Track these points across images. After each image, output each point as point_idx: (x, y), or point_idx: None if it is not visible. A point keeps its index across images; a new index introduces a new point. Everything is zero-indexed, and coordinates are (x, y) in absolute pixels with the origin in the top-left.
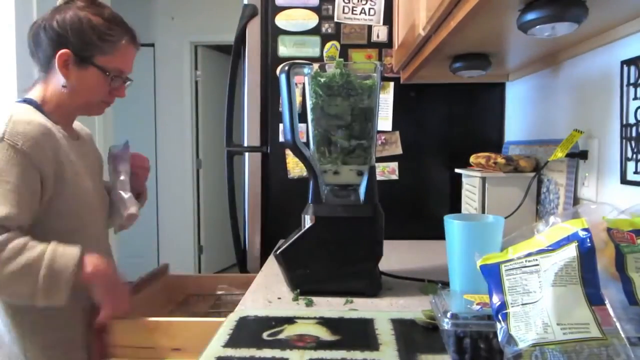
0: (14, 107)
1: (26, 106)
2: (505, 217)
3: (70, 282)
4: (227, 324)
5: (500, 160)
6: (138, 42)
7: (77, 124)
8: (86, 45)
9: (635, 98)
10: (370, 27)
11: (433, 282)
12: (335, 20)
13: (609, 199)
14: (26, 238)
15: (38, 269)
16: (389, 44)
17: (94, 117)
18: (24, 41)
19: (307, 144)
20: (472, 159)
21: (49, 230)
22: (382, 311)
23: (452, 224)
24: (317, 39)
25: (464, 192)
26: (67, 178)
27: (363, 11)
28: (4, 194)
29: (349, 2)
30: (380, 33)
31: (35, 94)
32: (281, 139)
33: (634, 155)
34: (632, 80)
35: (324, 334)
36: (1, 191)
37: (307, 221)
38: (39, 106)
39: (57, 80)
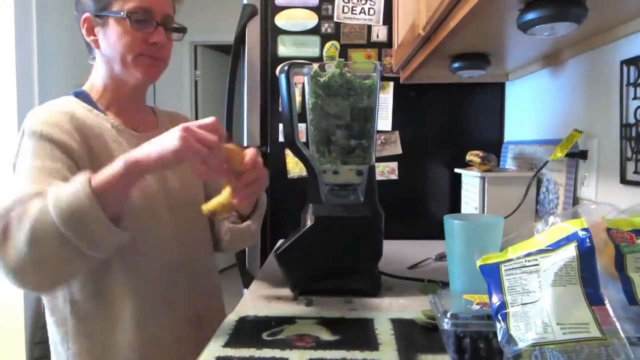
0: (50, 101)
1: (66, 98)
2: (505, 217)
3: (96, 206)
4: (227, 324)
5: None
6: None
7: (165, 112)
8: None
9: (635, 98)
10: (370, 27)
11: (433, 282)
12: (335, 20)
13: (609, 199)
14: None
15: (50, 217)
16: (388, 43)
17: None
18: (23, 44)
19: (306, 143)
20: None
21: None
22: (382, 311)
23: (452, 224)
24: (316, 39)
25: (463, 192)
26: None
27: (363, 11)
28: (31, 177)
29: (349, 2)
30: (380, 33)
31: (86, 84)
32: (281, 138)
33: (634, 155)
34: (632, 80)
35: (324, 334)
36: (27, 175)
37: (307, 221)
38: (86, 95)
39: (95, 57)
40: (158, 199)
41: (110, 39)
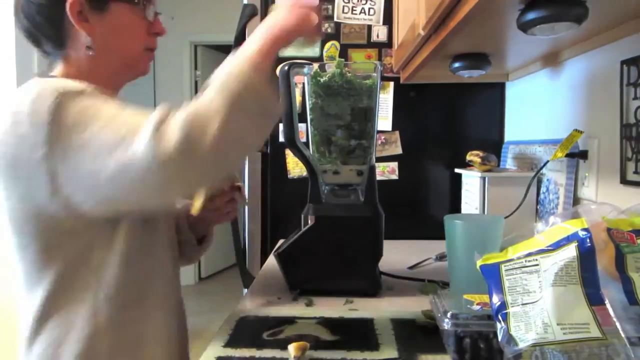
0: (40, 82)
1: (54, 79)
2: (506, 217)
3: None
4: (227, 324)
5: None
6: None
7: None
8: None
9: (635, 98)
10: (370, 27)
11: (433, 282)
12: (335, 20)
13: (609, 199)
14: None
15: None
16: (388, 43)
17: None
18: (23, 45)
19: (307, 144)
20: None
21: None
22: (382, 311)
23: (452, 224)
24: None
25: (464, 192)
26: None
27: (363, 11)
28: (129, 115)
29: (349, 2)
30: (380, 33)
31: (56, 75)
32: (281, 138)
33: (634, 155)
34: (632, 80)
35: (324, 334)
36: (124, 117)
37: (307, 221)
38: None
39: (79, 46)
40: None
41: (113, 28)
